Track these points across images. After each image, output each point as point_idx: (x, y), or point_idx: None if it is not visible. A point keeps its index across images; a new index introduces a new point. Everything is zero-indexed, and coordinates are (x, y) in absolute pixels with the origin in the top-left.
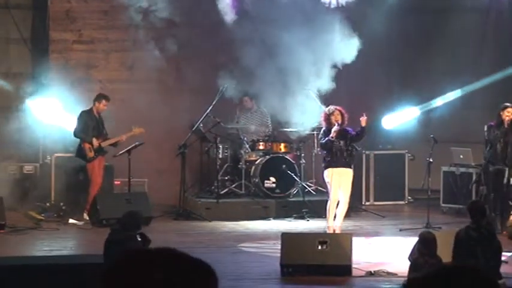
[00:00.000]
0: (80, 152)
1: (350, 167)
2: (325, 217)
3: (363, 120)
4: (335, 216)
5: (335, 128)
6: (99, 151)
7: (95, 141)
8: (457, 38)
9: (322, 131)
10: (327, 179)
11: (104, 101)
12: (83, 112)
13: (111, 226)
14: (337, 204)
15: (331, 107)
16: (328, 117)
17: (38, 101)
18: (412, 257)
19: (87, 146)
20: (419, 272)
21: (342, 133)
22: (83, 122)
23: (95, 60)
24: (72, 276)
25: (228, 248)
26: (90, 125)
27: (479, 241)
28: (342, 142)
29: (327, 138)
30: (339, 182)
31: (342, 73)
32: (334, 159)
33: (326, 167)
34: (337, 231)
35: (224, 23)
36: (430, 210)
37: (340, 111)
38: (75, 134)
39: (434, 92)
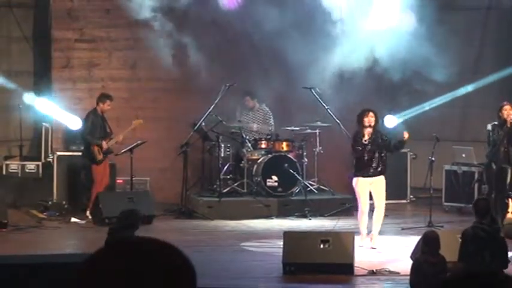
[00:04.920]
0: (89, 155)
1: (382, 175)
2: (327, 216)
3: (406, 134)
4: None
5: (367, 131)
6: (106, 152)
7: (104, 144)
8: (459, 36)
9: (353, 135)
10: (355, 188)
11: (107, 102)
12: (89, 113)
13: (109, 225)
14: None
15: (365, 109)
16: (360, 119)
17: (40, 100)
18: (414, 256)
19: (96, 148)
20: (420, 271)
21: (375, 137)
22: (90, 124)
23: (97, 59)
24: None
25: (230, 246)
26: (97, 126)
27: (487, 240)
28: (374, 147)
29: (359, 142)
30: (370, 190)
31: (343, 72)
32: (365, 167)
33: (355, 175)
34: (374, 240)
35: (225, 21)
36: (432, 209)
37: (374, 113)
38: (83, 137)
39: (436, 91)
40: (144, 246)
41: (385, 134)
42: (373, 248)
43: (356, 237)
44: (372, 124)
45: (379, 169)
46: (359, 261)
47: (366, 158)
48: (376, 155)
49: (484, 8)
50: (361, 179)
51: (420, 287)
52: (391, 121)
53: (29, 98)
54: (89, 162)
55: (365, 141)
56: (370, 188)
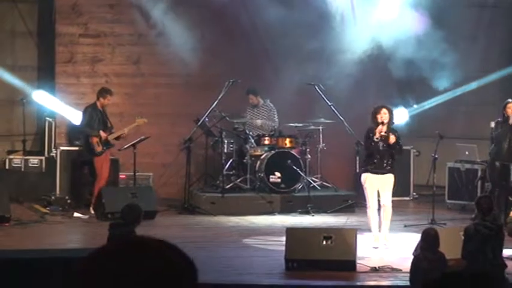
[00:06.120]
0: (88, 147)
1: (391, 173)
2: (330, 212)
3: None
4: (379, 225)
5: (379, 128)
6: (106, 144)
7: (103, 134)
8: (465, 32)
9: (366, 131)
10: (364, 184)
11: (108, 96)
12: (87, 107)
13: (111, 221)
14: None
15: (379, 104)
16: (374, 115)
17: (43, 95)
18: (415, 253)
19: (95, 140)
20: (419, 268)
21: (388, 134)
22: (88, 117)
23: (100, 54)
24: None
25: (232, 242)
26: (96, 119)
27: (489, 237)
28: (385, 144)
29: (370, 139)
30: (378, 187)
31: (345, 68)
32: (374, 164)
33: (364, 171)
34: (386, 241)
35: (230, 15)
36: (435, 207)
37: (388, 109)
38: (82, 129)
39: (440, 88)
40: (144, 245)
41: (397, 133)
42: (386, 246)
43: (362, 236)
44: (385, 121)
45: (388, 167)
46: (361, 258)
47: (376, 155)
48: (387, 152)
49: (493, 3)
50: (370, 175)
51: (420, 283)
52: (401, 115)
53: (33, 92)
54: (89, 155)
55: (376, 138)
56: (378, 185)
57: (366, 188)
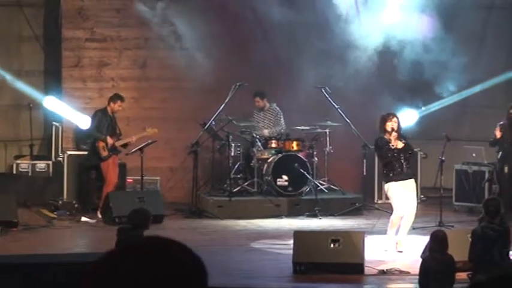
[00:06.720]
0: (94, 151)
1: (412, 177)
2: (338, 215)
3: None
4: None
5: (394, 135)
6: (113, 150)
7: (110, 140)
8: (471, 34)
9: (377, 141)
10: (389, 194)
11: (119, 102)
12: (97, 111)
13: (119, 225)
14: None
15: (389, 113)
16: (383, 123)
17: (50, 99)
18: (424, 255)
19: (101, 144)
20: (428, 270)
21: (400, 140)
22: (97, 121)
23: (107, 58)
24: None
25: (240, 246)
26: (105, 124)
27: (496, 239)
28: (402, 151)
29: (386, 147)
30: (403, 194)
31: (353, 70)
32: (396, 172)
33: (387, 181)
34: (400, 243)
35: (237, 21)
36: (443, 209)
37: (397, 117)
38: (89, 133)
39: (447, 90)
40: (153, 246)
41: (406, 138)
42: (400, 251)
43: (370, 239)
44: (395, 129)
45: (409, 172)
46: (369, 260)
47: (395, 163)
48: (403, 158)
49: (499, 5)
50: (393, 183)
51: (429, 286)
52: (411, 117)
53: (40, 97)
54: (95, 159)
55: (392, 145)
56: (404, 192)
57: (391, 197)
